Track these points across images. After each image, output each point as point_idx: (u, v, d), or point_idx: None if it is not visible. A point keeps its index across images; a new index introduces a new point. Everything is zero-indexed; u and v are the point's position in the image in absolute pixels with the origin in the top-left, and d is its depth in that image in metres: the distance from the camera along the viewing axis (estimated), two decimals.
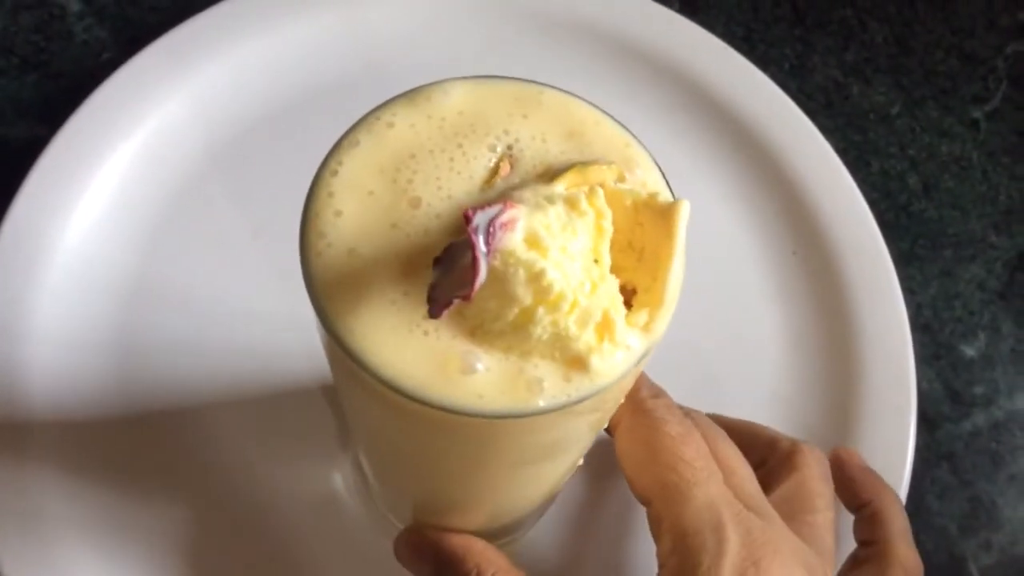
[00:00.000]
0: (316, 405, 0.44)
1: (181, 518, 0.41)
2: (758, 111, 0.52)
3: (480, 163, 0.26)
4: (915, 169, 0.55)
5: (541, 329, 0.23)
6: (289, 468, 0.43)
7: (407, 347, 0.24)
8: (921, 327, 0.51)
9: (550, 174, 0.26)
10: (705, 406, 0.40)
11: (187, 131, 0.49)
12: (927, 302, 0.52)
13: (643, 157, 0.27)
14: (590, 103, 0.28)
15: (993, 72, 0.58)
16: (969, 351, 0.51)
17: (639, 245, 0.25)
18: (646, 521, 0.33)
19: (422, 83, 0.27)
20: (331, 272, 0.24)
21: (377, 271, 0.24)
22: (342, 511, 0.42)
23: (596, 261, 0.24)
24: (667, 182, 0.27)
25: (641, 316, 0.24)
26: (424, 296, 0.23)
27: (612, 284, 0.24)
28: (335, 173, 0.26)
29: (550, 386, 0.24)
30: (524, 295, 0.23)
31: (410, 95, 0.27)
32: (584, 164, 0.26)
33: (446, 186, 0.26)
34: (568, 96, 0.27)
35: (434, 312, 0.23)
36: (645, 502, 0.33)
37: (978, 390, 0.50)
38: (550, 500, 0.40)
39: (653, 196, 0.25)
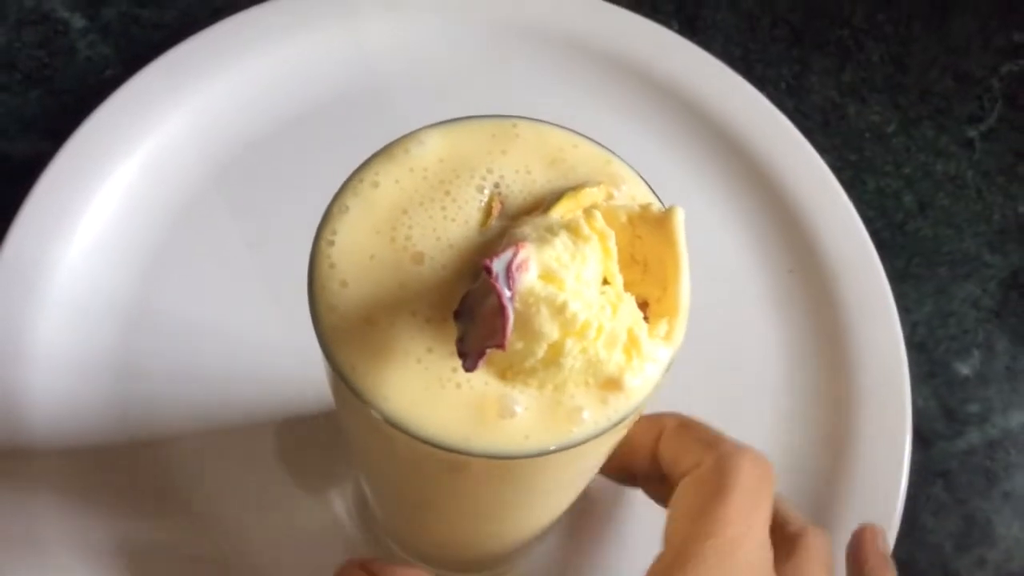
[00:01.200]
0: (318, 431, 0.44)
1: (180, 543, 0.41)
2: (755, 131, 0.52)
3: (472, 206, 0.26)
4: (910, 188, 0.55)
5: (572, 359, 0.23)
6: (290, 494, 0.43)
7: (443, 403, 0.24)
8: (916, 345, 0.51)
9: (543, 205, 0.26)
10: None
11: (191, 148, 0.49)
12: (922, 320, 0.52)
13: (626, 171, 0.27)
14: (563, 127, 0.28)
15: (988, 92, 0.59)
16: (964, 369, 0.51)
17: (641, 258, 0.25)
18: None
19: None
20: (351, 345, 0.24)
21: (396, 334, 0.24)
22: (344, 539, 0.42)
23: (609, 282, 0.24)
24: (654, 191, 0.27)
25: (661, 326, 0.25)
26: (448, 349, 0.23)
27: (630, 302, 0.24)
28: (331, 243, 0.25)
29: (590, 412, 0.24)
30: (551, 330, 0.23)
31: (387, 151, 0.27)
32: (574, 189, 0.26)
33: (444, 236, 0.25)
34: (541, 124, 0.28)
35: (469, 366, 0.23)
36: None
37: (973, 408, 0.50)
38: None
39: (646, 207, 0.25)
